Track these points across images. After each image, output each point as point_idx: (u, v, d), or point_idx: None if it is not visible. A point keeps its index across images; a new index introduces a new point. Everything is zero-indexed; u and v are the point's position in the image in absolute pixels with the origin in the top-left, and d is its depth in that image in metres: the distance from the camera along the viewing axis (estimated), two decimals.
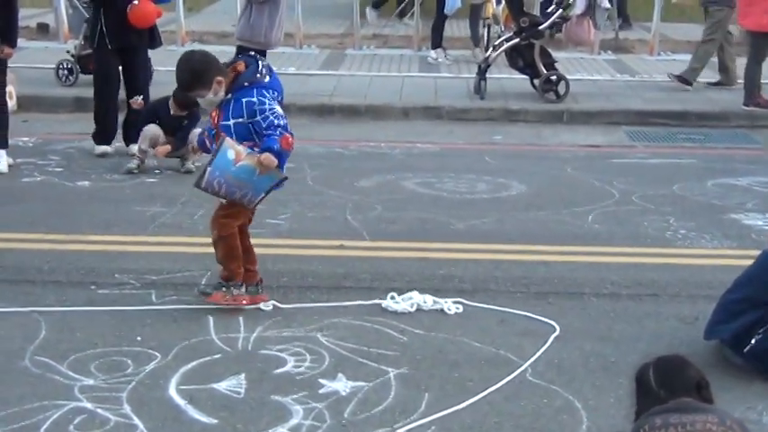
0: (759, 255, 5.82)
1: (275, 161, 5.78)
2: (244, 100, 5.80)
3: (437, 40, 15.49)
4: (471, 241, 7.63)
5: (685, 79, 13.48)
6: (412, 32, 16.77)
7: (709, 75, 13.94)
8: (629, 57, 16.22)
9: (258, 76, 5.86)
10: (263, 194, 5.98)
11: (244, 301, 6.12)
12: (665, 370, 3.59)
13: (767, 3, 12.07)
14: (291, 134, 5.88)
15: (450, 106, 12.66)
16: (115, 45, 9.77)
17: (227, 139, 5.76)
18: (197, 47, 14.71)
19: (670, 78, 13.64)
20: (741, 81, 12.93)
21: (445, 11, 15.19)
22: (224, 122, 5.85)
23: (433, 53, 15.43)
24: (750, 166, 10.27)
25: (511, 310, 6.24)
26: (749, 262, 5.80)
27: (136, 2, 9.66)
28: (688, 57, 16.27)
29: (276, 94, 5.95)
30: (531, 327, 6.00)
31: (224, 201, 6.01)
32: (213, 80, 5.77)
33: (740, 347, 5.44)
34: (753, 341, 5.38)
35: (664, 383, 3.53)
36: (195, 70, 5.78)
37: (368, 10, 18.76)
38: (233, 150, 5.75)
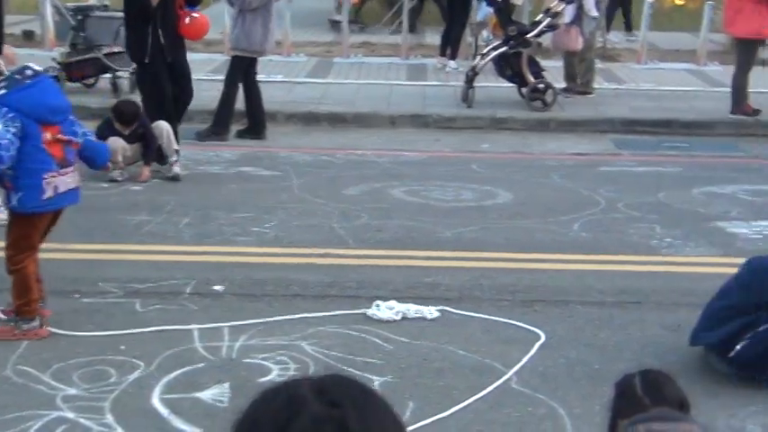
0: (744, 262, 5.83)
1: None
2: None
3: (456, 50, 15.49)
4: (457, 249, 7.63)
5: None
6: (400, 41, 16.78)
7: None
8: (616, 65, 16.25)
9: None
10: None
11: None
12: (652, 379, 3.63)
13: (754, 10, 12.10)
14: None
15: (437, 114, 12.67)
16: (172, 58, 9.64)
17: None
18: None
19: None
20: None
21: (479, 18, 15.25)
22: None
23: (452, 63, 15.38)
24: (735, 174, 10.29)
25: (496, 318, 6.23)
26: (734, 270, 5.81)
27: (196, 14, 9.63)
28: (676, 65, 16.39)
29: (6, 111, 5.50)
30: (516, 335, 6.00)
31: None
32: None
33: (725, 354, 5.45)
34: (738, 347, 5.39)
35: (649, 391, 3.54)
36: None
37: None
38: None
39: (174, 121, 9.75)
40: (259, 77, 11.23)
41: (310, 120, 12.41)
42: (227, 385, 5.23)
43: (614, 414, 3.55)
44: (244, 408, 1.57)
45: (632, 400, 3.55)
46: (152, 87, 9.72)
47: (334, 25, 18.92)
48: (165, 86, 9.65)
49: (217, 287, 6.64)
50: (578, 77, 13.77)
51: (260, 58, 11.11)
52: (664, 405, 3.47)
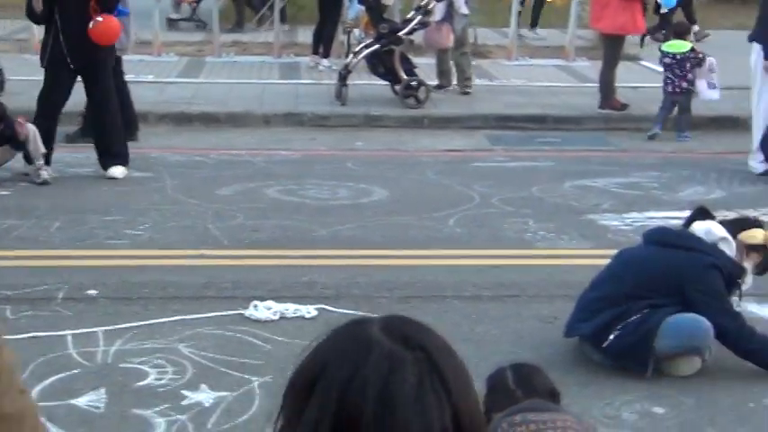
0: (615, 254, 5.95)
1: None
2: None
3: (329, 48, 15.43)
4: (334, 247, 7.63)
5: None
6: (272, 39, 16.69)
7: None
8: (487, 62, 16.43)
9: None
10: None
11: None
12: (523, 371, 3.69)
13: (620, 6, 12.36)
14: None
15: (311, 113, 12.64)
16: (78, 65, 9.26)
17: None
18: None
19: None
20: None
21: (350, 16, 15.22)
22: None
23: (325, 61, 15.31)
24: (606, 167, 10.49)
25: (374, 315, 6.22)
26: (606, 261, 5.93)
27: (100, 18, 9.09)
28: (545, 62, 16.64)
29: None
30: None
31: None
32: None
33: (599, 344, 5.55)
34: (611, 337, 5.49)
35: (521, 383, 3.60)
36: None
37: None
38: None
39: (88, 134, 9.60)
40: (129, 77, 11.04)
41: (182, 120, 12.26)
42: (102, 391, 5.14)
43: (488, 408, 3.57)
44: (307, 354, 1.65)
45: (505, 393, 3.60)
46: (43, 92, 9.48)
47: (172, 24, 18.69)
48: (53, 94, 9.41)
49: (90, 291, 6.51)
50: (466, 73, 13.88)
51: (125, 57, 10.88)
52: (535, 396, 3.52)
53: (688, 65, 11.86)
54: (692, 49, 11.96)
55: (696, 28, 17.00)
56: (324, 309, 6.30)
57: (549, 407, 3.43)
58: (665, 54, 12.08)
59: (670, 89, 12.00)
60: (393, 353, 1.56)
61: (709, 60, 11.86)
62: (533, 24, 19.31)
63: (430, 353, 1.59)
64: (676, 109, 12.07)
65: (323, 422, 1.55)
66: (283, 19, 17.60)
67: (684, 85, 11.92)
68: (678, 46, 12.05)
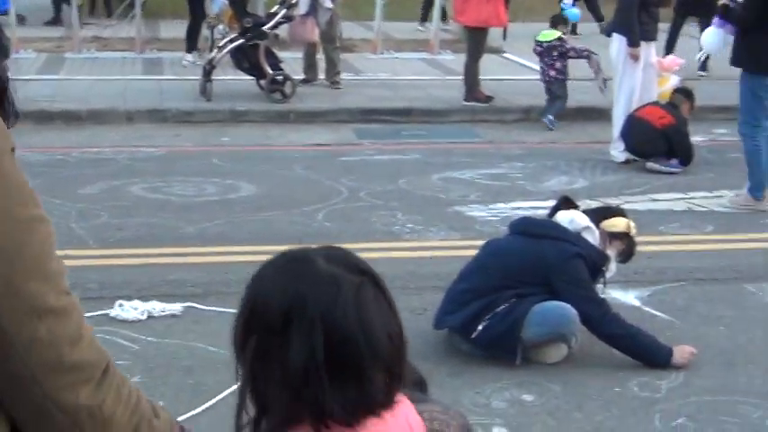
0: (482, 245, 6.01)
1: None
2: None
3: (193, 44, 15.21)
4: (201, 245, 7.54)
5: None
6: (134, 35, 16.41)
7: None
8: (352, 55, 16.44)
9: None
10: None
11: None
12: None
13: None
14: None
15: (175, 109, 12.47)
16: None
17: None
18: None
19: None
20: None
21: (214, 11, 15.02)
22: None
23: (189, 56, 15.09)
24: (472, 159, 10.59)
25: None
26: (473, 252, 5.98)
27: None
28: (410, 55, 16.73)
29: None
30: None
31: None
32: None
33: (468, 335, 5.59)
34: (479, 328, 5.54)
35: None
36: None
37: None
38: None
39: None
40: None
41: (43, 118, 11.96)
42: None
43: None
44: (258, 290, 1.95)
45: None
46: None
47: (21, 20, 18.28)
48: None
49: None
50: (337, 67, 13.88)
51: None
52: (402, 388, 3.49)
53: (555, 53, 12.09)
54: (560, 39, 12.18)
55: (604, 24, 17.17)
56: (192, 307, 6.22)
57: (415, 398, 3.40)
58: (536, 43, 12.34)
59: (540, 77, 12.27)
60: (355, 282, 1.89)
61: (595, 59, 12.10)
62: (443, 18, 19.22)
63: (373, 275, 1.94)
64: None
65: (317, 349, 1.83)
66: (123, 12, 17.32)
67: (552, 73, 12.14)
68: (546, 35, 12.27)
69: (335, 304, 1.85)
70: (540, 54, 12.30)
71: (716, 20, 9.39)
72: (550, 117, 12.18)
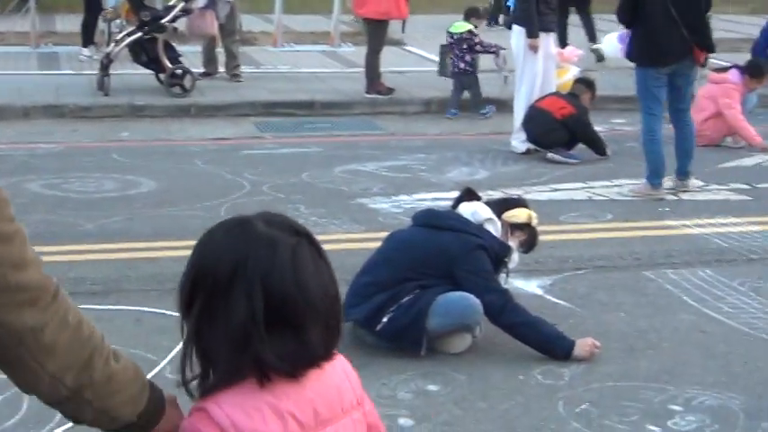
0: (386, 237, 6.02)
1: None
2: None
3: (89, 38, 14.94)
4: (101, 241, 7.43)
5: None
6: (29, 28, 16.09)
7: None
8: (252, 49, 16.34)
9: None
10: None
11: None
12: None
13: None
14: None
15: (73, 104, 12.27)
16: None
17: None
18: None
19: None
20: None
21: (111, 4, 14.78)
22: None
23: (86, 51, 14.83)
24: (374, 151, 10.60)
25: (146, 309, 6.11)
26: (377, 245, 5.98)
27: None
28: (311, 48, 16.69)
29: None
30: (167, 324, 5.89)
31: None
32: None
33: (372, 327, 5.59)
34: (384, 320, 5.55)
35: None
36: None
37: None
38: None
39: None
40: None
41: None
42: None
43: None
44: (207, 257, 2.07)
45: None
46: None
47: None
48: None
49: None
50: (237, 60, 13.78)
51: None
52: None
53: (465, 46, 12.17)
54: (470, 32, 12.25)
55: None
56: (92, 308, 6.12)
57: None
58: (448, 34, 12.41)
59: (451, 69, 12.36)
60: (292, 243, 2.03)
61: (502, 54, 12.22)
62: None
63: (308, 235, 2.09)
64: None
65: (257, 306, 1.96)
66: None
67: (462, 65, 12.22)
68: (458, 27, 12.34)
69: (273, 264, 1.99)
70: (450, 45, 12.37)
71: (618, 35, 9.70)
72: (485, 111, 12.28)
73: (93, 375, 1.97)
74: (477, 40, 12.22)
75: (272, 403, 2.02)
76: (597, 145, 10.38)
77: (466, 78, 12.31)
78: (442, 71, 12.91)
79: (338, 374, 2.17)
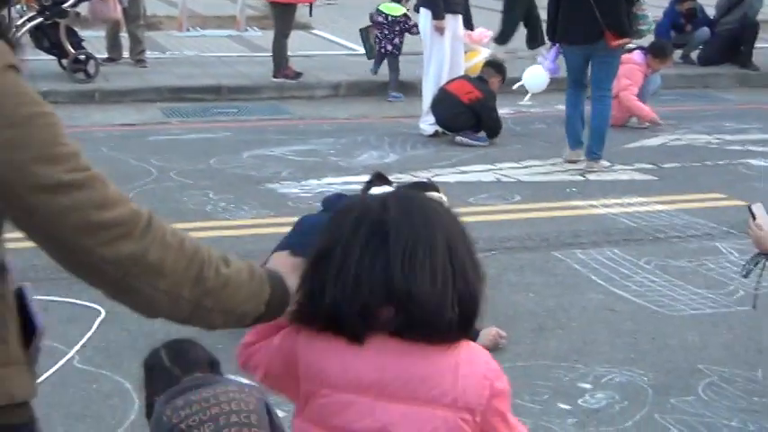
0: (296, 222, 5.98)
1: None
2: None
3: None
4: (7, 230, 7.27)
5: None
6: None
7: None
8: (158, 33, 16.15)
9: None
10: None
11: None
12: (176, 349, 3.49)
13: None
14: None
15: None
16: None
17: None
18: None
19: None
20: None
21: None
22: None
23: None
24: (282, 136, 10.55)
25: (54, 298, 6.00)
26: (287, 229, 5.95)
27: None
28: (217, 32, 16.54)
29: None
30: (75, 313, 5.82)
31: None
32: None
33: None
34: None
35: (177, 360, 3.42)
36: None
37: None
38: None
39: None
40: None
41: None
42: None
43: (149, 393, 3.41)
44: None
45: (163, 374, 3.40)
46: None
47: None
48: None
49: None
50: (142, 45, 13.61)
51: None
52: (195, 370, 3.37)
53: (397, 28, 12.17)
54: (405, 15, 12.25)
55: None
56: None
57: (209, 380, 3.28)
58: (378, 12, 12.35)
59: (377, 48, 12.36)
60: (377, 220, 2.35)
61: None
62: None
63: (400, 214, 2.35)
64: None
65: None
66: None
67: (389, 47, 12.23)
68: (391, 9, 12.29)
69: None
70: (379, 24, 12.32)
71: (546, 61, 9.89)
72: (395, 95, 12.32)
73: (206, 285, 2.09)
74: (411, 23, 12.16)
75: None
76: (494, 129, 10.44)
77: (391, 59, 12.33)
78: (371, 54, 12.88)
79: (439, 365, 2.28)
